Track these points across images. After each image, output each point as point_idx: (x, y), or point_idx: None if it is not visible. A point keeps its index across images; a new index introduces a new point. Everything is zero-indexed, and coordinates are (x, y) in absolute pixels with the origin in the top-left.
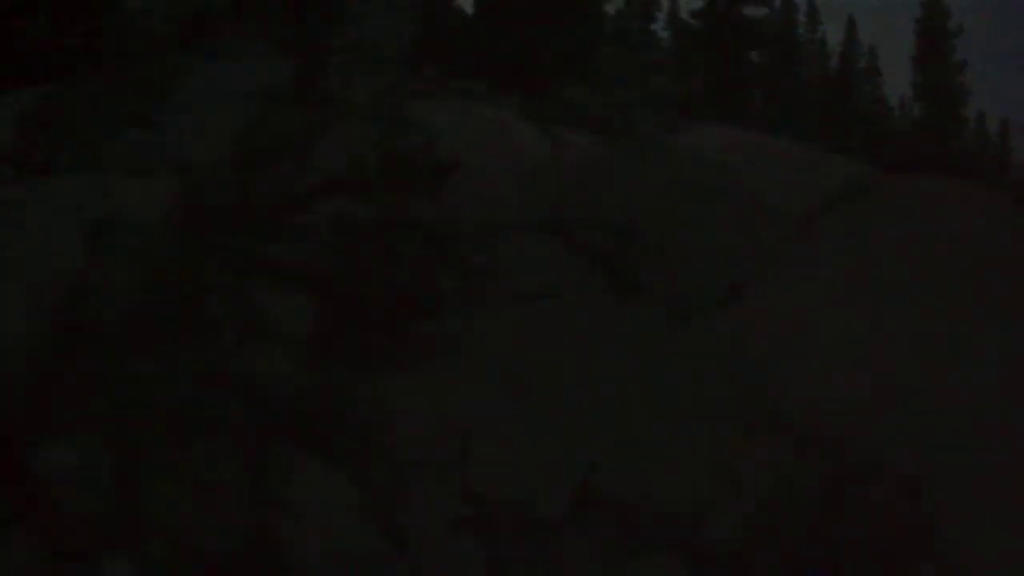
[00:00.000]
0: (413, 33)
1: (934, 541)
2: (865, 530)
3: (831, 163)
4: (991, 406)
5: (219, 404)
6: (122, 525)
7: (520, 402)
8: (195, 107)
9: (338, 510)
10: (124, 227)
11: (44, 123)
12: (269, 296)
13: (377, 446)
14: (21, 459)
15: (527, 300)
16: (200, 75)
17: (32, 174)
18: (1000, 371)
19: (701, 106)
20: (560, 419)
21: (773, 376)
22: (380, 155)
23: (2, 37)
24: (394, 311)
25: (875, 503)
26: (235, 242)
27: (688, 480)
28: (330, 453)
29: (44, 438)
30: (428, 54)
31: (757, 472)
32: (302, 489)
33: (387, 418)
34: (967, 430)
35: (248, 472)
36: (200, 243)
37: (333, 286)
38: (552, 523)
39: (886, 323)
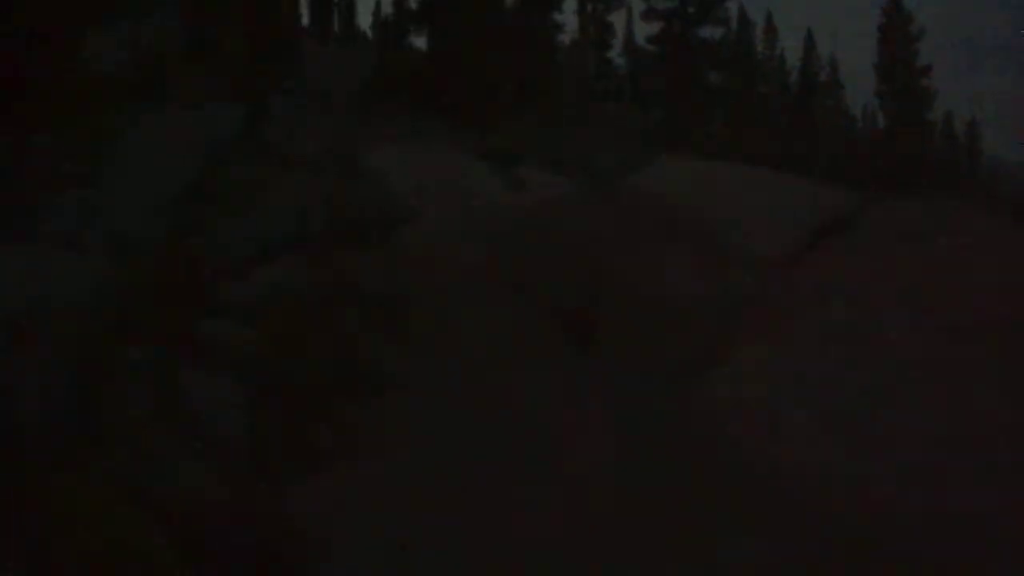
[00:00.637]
0: (368, 72)
1: None
2: None
3: (809, 193)
4: (1005, 477)
5: (140, 534)
6: None
7: (474, 502)
8: (139, 163)
9: None
10: (46, 314)
11: None
12: (198, 385)
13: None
14: None
15: (482, 372)
16: (148, 126)
17: None
18: (1015, 436)
19: (662, 131)
20: (521, 521)
21: (759, 451)
22: (327, 211)
23: None
24: (333, 395)
25: None
26: (165, 322)
27: None
28: None
29: None
30: (383, 92)
31: (748, 571)
32: None
33: (324, 534)
34: (978, 506)
35: None
36: (127, 329)
37: (268, 367)
38: None
39: (883, 382)
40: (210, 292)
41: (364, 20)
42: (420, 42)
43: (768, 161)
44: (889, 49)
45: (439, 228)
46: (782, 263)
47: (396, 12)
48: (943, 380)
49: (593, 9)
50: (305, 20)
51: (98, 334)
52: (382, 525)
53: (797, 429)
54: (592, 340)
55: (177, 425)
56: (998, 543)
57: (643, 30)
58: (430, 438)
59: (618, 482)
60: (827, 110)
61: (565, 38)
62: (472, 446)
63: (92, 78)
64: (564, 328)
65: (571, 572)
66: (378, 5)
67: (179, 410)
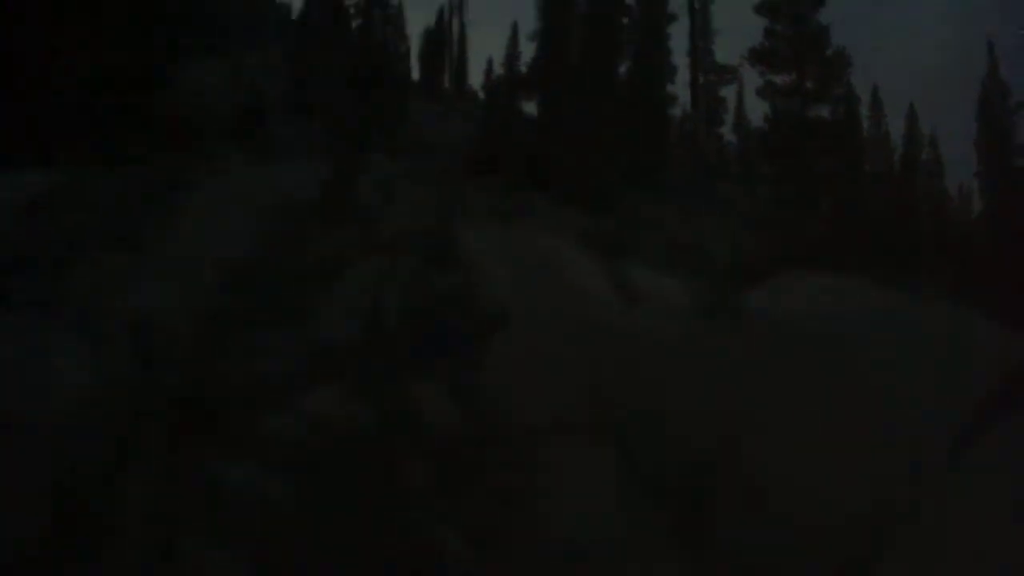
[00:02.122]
0: (473, 137)
1: None
2: None
3: (976, 339)
4: None
5: None
6: None
7: None
8: (201, 225)
9: None
10: (32, 419)
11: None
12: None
13: None
14: None
15: (565, 563)
16: (226, 179)
17: None
18: None
19: (774, 222)
20: None
21: None
22: (404, 310)
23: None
24: None
25: None
26: (173, 459)
27: None
28: None
29: None
30: (488, 160)
31: None
32: None
33: None
34: None
35: None
36: (126, 458)
37: (291, 549)
38: None
39: None
40: (236, 423)
41: (476, 78)
42: (530, 107)
43: (873, 262)
44: (987, 125)
45: (533, 344)
46: (948, 449)
47: (507, 75)
48: None
49: (705, 82)
50: (415, 74)
51: (90, 458)
52: None
53: None
54: (706, 536)
55: None
56: None
57: (754, 106)
58: None
59: None
60: (927, 190)
61: (677, 111)
62: None
63: (182, 116)
64: (672, 511)
65: None
66: (490, 64)
67: None
